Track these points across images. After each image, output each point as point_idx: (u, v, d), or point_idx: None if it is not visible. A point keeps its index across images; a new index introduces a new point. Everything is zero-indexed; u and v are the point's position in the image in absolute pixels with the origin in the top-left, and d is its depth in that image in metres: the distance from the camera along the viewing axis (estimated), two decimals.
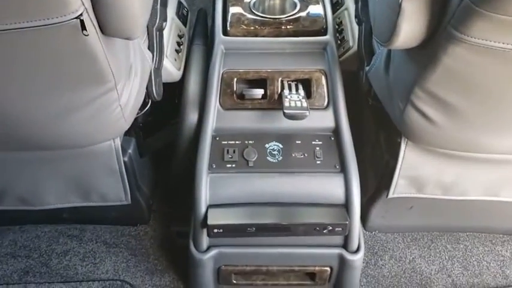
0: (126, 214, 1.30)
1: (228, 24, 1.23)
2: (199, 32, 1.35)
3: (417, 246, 1.32)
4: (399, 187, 1.16)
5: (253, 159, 1.07)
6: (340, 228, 1.01)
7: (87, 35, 0.73)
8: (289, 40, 1.21)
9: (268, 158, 1.07)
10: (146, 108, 1.13)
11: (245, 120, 1.12)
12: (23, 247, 1.31)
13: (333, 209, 1.03)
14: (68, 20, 0.70)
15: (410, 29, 0.79)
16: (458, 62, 0.79)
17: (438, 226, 1.34)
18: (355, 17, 1.25)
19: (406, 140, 1.07)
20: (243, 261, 1.11)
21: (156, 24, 1.10)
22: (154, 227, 1.36)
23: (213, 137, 1.10)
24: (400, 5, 0.77)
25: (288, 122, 1.06)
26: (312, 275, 1.14)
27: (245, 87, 1.14)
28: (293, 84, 1.13)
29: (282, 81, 1.14)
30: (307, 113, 1.03)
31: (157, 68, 1.12)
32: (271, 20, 1.24)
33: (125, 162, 1.12)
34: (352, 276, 1.13)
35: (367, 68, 1.15)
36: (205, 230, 1.03)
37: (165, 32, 1.19)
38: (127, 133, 1.16)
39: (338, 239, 1.08)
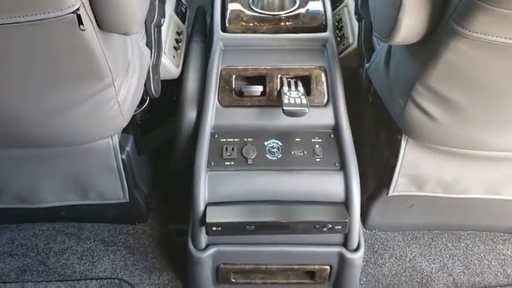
0: (124, 212, 1.30)
1: (226, 20, 1.22)
2: (198, 30, 1.34)
3: (418, 245, 1.31)
4: (399, 185, 1.15)
5: (252, 157, 1.06)
6: (340, 226, 1.01)
7: (84, 30, 0.73)
8: (289, 37, 1.20)
9: (268, 156, 1.07)
10: (144, 106, 1.12)
11: (244, 117, 1.11)
12: (21, 245, 1.30)
13: (333, 207, 1.02)
14: (65, 15, 0.69)
15: (411, 23, 0.78)
16: (460, 57, 0.78)
17: (439, 224, 1.33)
18: (355, 13, 1.24)
19: (406, 137, 1.06)
20: (242, 260, 1.10)
21: (154, 21, 1.09)
22: (153, 225, 1.35)
23: (212, 135, 1.09)
24: None
25: (287, 119, 1.06)
26: (311, 274, 1.13)
27: (244, 84, 1.13)
28: (292, 81, 1.13)
29: (281, 78, 1.13)
30: (307, 110, 1.02)
31: (156, 65, 1.11)
32: (270, 16, 1.23)
33: (122, 160, 1.11)
34: (352, 274, 1.12)
35: (367, 65, 1.14)
36: (203, 228, 1.03)
37: (163, 29, 1.18)
38: (125, 130, 1.15)
39: (338, 237, 1.07)
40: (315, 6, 1.27)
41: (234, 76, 1.14)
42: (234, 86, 1.13)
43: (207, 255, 1.07)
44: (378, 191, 1.23)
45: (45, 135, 0.95)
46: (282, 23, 1.22)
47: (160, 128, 1.35)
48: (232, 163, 1.06)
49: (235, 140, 1.09)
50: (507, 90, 0.83)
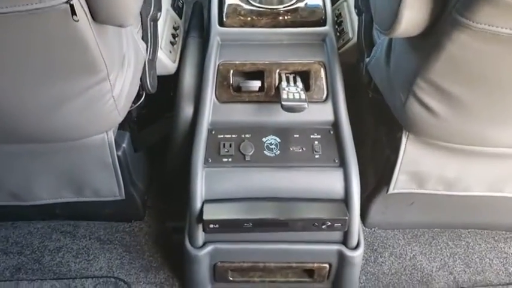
0: (120, 210, 1.29)
1: (224, 14, 1.21)
2: (195, 25, 1.33)
3: (418, 243, 1.30)
4: (400, 182, 1.14)
5: (250, 154, 1.05)
6: (340, 224, 1.00)
7: (77, 21, 0.71)
8: (287, 31, 1.19)
9: (266, 152, 1.06)
10: (140, 101, 1.11)
11: (242, 113, 1.10)
12: (15, 243, 1.29)
13: (332, 204, 1.01)
14: (58, 5, 0.68)
15: (412, 15, 0.77)
16: (463, 50, 0.76)
17: (439, 222, 1.32)
18: (355, 7, 1.22)
19: (407, 133, 1.05)
20: (240, 258, 1.09)
21: (150, 14, 1.08)
22: (149, 223, 1.34)
23: (209, 131, 1.08)
24: None
25: (286, 115, 1.05)
26: (310, 272, 1.12)
27: (241, 80, 1.12)
28: (291, 77, 1.11)
29: (279, 73, 1.12)
30: (306, 105, 1.01)
31: (152, 60, 1.10)
32: (269, 10, 1.22)
33: (118, 156, 1.10)
34: (351, 273, 1.11)
35: (367, 60, 1.12)
36: (200, 226, 1.02)
37: (160, 23, 1.17)
38: (121, 127, 1.14)
39: (337, 235, 1.06)
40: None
41: (231, 71, 1.13)
42: (231, 82, 1.12)
43: (204, 253, 1.05)
44: (378, 189, 1.22)
45: (39, 130, 0.94)
46: (281, 17, 1.21)
47: (157, 125, 1.33)
48: (229, 160, 1.05)
49: (233, 136, 1.08)
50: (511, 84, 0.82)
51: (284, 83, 1.08)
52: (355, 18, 1.23)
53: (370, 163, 1.24)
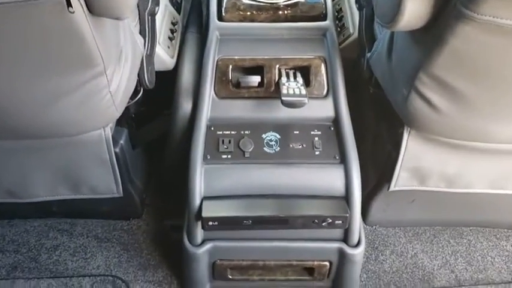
0: (118, 208, 1.28)
1: (223, 9, 1.20)
2: (194, 21, 1.32)
3: (419, 241, 1.30)
4: (401, 179, 1.13)
5: (250, 150, 1.04)
6: (340, 221, 0.99)
7: (73, 12, 0.70)
8: (287, 26, 1.18)
9: (265, 149, 1.05)
10: (138, 97, 1.09)
11: (241, 109, 1.09)
12: (12, 242, 1.28)
13: (333, 201, 1.00)
14: None
15: (415, 7, 0.75)
16: (467, 42, 0.75)
17: (441, 220, 1.32)
18: (356, 2, 1.21)
19: (408, 129, 1.04)
20: (239, 256, 1.08)
21: (148, 8, 1.06)
22: (148, 221, 1.33)
23: (208, 127, 1.07)
24: None
25: (286, 111, 1.04)
26: (310, 270, 1.11)
27: (241, 75, 1.11)
28: (291, 72, 1.10)
29: (279, 69, 1.11)
30: (306, 101, 1.00)
31: (150, 55, 1.08)
32: (269, 4, 1.21)
33: (116, 153, 1.09)
34: (352, 271, 1.10)
35: (368, 55, 1.11)
36: (199, 223, 1.01)
37: (158, 18, 1.15)
38: (119, 124, 1.13)
39: (338, 233, 1.05)
40: None
41: (230, 67, 1.12)
42: (230, 77, 1.11)
43: (203, 250, 1.04)
44: (379, 186, 1.21)
45: (36, 125, 0.93)
46: (281, 12, 1.20)
47: (156, 122, 1.33)
48: (228, 156, 1.04)
49: (232, 132, 1.07)
50: None
51: (284, 79, 1.07)
52: (356, 13, 1.22)
53: (370, 160, 1.23)
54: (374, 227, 1.32)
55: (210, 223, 0.97)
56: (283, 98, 1.00)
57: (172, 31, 1.24)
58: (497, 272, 1.23)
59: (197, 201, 1.00)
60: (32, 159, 1.07)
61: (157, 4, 1.11)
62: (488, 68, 0.79)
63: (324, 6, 1.21)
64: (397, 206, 1.26)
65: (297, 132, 1.06)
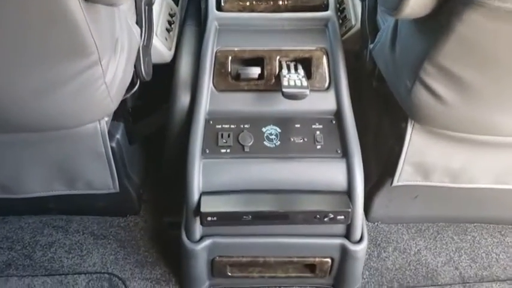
0: (114, 204, 1.26)
1: None
2: (192, 13, 1.30)
3: (422, 238, 1.28)
4: (404, 174, 1.11)
5: (249, 144, 1.03)
6: (342, 217, 0.97)
7: None
8: (288, 16, 1.16)
9: (265, 143, 1.03)
10: (134, 89, 1.07)
11: (240, 102, 1.07)
12: (6, 239, 1.26)
13: (335, 196, 0.99)
14: None
15: None
16: (474, 30, 0.72)
17: (444, 216, 1.30)
18: None
19: (412, 122, 1.01)
20: (239, 252, 1.06)
21: None
22: (145, 217, 1.31)
23: (207, 121, 1.06)
24: None
25: (287, 104, 1.02)
26: (311, 267, 1.10)
27: (240, 67, 1.08)
28: (292, 65, 1.08)
29: (280, 60, 1.09)
30: (308, 92, 0.98)
31: (146, 46, 1.06)
32: None
33: (112, 147, 1.07)
34: (354, 268, 1.08)
35: (371, 46, 1.09)
36: (198, 219, 0.99)
37: (155, 9, 1.13)
38: (115, 118, 1.11)
39: (340, 228, 1.03)
40: None
41: (229, 58, 1.09)
42: (229, 69, 1.09)
43: (201, 247, 1.03)
44: (381, 181, 1.19)
45: (30, 117, 0.90)
46: (281, 2, 1.18)
47: (153, 116, 1.31)
48: (228, 151, 1.02)
49: (231, 126, 1.05)
50: None
51: (285, 71, 1.05)
52: (358, 4, 1.21)
53: (373, 154, 1.21)
54: (376, 223, 1.31)
55: (209, 219, 0.95)
56: (284, 90, 0.98)
57: (170, 23, 1.22)
58: (502, 268, 1.22)
59: (195, 197, 0.98)
60: (27, 153, 1.05)
61: None
62: (497, 57, 0.77)
63: None
64: (400, 202, 1.24)
65: (298, 125, 1.05)
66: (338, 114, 1.06)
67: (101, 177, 1.09)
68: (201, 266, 1.07)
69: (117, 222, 1.30)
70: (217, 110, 1.06)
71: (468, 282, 1.19)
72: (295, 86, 0.99)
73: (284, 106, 1.04)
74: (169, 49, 1.19)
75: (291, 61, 1.09)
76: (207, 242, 1.03)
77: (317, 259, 1.07)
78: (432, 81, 0.85)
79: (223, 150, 1.02)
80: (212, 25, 1.14)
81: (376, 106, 1.24)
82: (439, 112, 0.91)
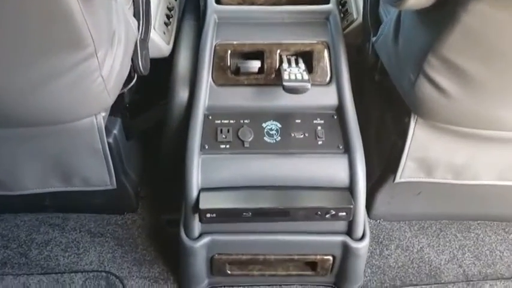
0: (112, 201, 1.25)
1: None
2: (191, 7, 1.29)
3: (425, 235, 1.26)
4: (407, 170, 1.09)
5: (249, 140, 1.01)
6: (344, 213, 0.96)
7: None
8: (289, 9, 1.14)
9: (266, 139, 1.02)
10: (132, 84, 1.05)
11: (240, 97, 1.05)
12: (1, 237, 1.24)
13: (336, 192, 0.98)
14: None
15: None
16: (480, 20, 0.71)
17: (448, 214, 1.28)
18: None
19: (415, 117, 1.00)
20: (238, 250, 1.05)
21: None
22: (143, 215, 1.30)
23: (206, 116, 1.04)
24: None
25: (287, 99, 1.01)
26: (312, 265, 1.08)
27: (240, 61, 1.07)
28: (292, 59, 1.06)
29: (280, 54, 1.07)
30: (309, 86, 0.96)
31: (144, 39, 1.05)
32: None
33: (109, 143, 1.06)
34: (356, 265, 1.07)
35: (373, 39, 1.08)
36: (197, 215, 0.98)
37: (153, 2, 1.12)
38: (112, 113, 1.10)
39: (341, 225, 1.02)
40: None
41: (229, 52, 1.08)
42: (229, 63, 1.07)
43: (200, 244, 1.01)
44: (384, 178, 1.18)
45: (25, 111, 0.89)
46: None
47: (151, 111, 1.29)
48: (227, 146, 1.01)
49: (231, 121, 1.04)
50: None
51: (285, 65, 1.03)
52: None
53: (375, 150, 1.19)
54: (378, 220, 1.29)
55: (208, 215, 0.94)
56: (284, 84, 0.96)
57: (168, 16, 1.21)
58: (506, 266, 1.20)
59: (194, 193, 0.97)
60: (23, 148, 1.03)
61: None
62: (502, 49, 0.76)
63: None
64: (403, 199, 1.23)
65: (299, 121, 1.03)
66: (340, 109, 1.04)
67: (97, 173, 1.08)
68: (200, 264, 1.05)
69: (114, 219, 1.28)
70: (217, 105, 1.05)
71: (472, 280, 1.17)
72: (296, 80, 0.97)
73: (285, 101, 1.03)
74: (168, 43, 1.18)
75: (292, 55, 1.07)
76: (206, 239, 1.01)
77: (318, 257, 1.05)
78: (436, 74, 0.84)
79: (222, 146, 1.00)
80: (211, 18, 1.12)
81: (378, 100, 1.23)
82: (443, 106, 0.89)
